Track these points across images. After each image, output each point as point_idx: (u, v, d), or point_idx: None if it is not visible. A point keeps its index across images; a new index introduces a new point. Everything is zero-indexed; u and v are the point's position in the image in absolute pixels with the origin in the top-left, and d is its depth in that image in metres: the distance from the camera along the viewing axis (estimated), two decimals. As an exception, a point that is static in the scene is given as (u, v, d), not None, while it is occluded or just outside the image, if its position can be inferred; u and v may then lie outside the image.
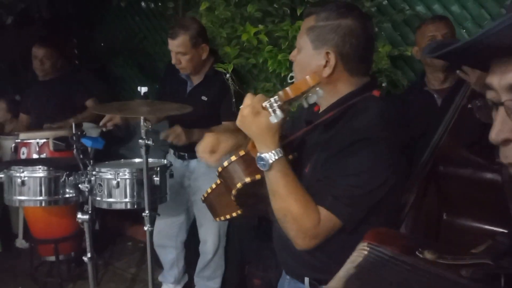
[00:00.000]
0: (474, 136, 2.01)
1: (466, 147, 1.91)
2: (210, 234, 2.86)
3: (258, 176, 1.22)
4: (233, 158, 1.24)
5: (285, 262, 1.46)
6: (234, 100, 2.56)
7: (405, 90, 2.48)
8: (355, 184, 1.17)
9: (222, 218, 1.43)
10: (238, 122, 1.17)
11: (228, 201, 1.32)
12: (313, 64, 1.26)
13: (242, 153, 1.24)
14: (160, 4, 4.37)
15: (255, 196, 1.30)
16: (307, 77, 1.09)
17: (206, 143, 1.41)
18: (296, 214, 1.16)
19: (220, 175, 1.28)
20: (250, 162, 1.23)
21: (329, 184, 1.19)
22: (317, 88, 1.10)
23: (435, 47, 0.69)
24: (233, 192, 1.23)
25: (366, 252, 0.84)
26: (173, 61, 2.59)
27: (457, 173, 1.84)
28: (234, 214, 1.38)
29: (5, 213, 3.79)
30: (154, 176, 2.41)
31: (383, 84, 2.62)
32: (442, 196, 1.92)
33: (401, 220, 2.08)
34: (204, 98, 2.68)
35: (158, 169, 2.45)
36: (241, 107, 1.16)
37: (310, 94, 1.12)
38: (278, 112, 1.09)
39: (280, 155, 1.15)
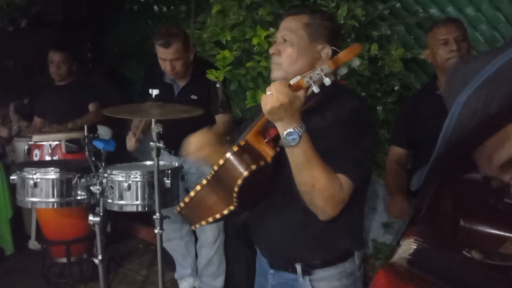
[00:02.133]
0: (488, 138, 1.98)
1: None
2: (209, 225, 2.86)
3: (262, 163, 1.27)
4: (235, 148, 1.26)
5: (275, 252, 1.52)
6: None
7: (416, 92, 2.45)
8: (359, 149, 1.34)
9: (204, 222, 1.39)
10: (270, 108, 1.18)
11: (215, 201, 1.33)
12: (308, 57, 1.41)
13: (242, 143, 1.28)
14: (172, 7, 4.39)
15: (255, 186, 1.32)
16: (348, 49, 1.20)
17: (193, 144, 1.49)
18: (324, 182, 1.25)
19: (217, 172, 1.29)
20: (250, 151, 1.29)
21: (337, 153, 1.32)
22: (355, 59, 1.23)
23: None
24: (239, 182, 1.23)
25: (415, 246, 0.83)
26: (168, 69, 2.65)
27: (472, 177, 1.81)
28: (218, 216, 1.35)
29: (18, 215, 3.83)
30: (165, 178, 2.41)
31: (396, 88, 2.59)
32: (457, 201, 1.89)
33: (415, 224, 2.05)
34: (193, 97, 2.75)
35: (170, 171, 2.45)
36: (269, 93, 1.19)
37: (341, 67, 1.25)
38: (327, 79, 1.17)
39: (305, 127, 1.22)
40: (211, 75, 2.58)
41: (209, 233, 2.89)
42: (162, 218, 2.31)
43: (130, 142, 2.55)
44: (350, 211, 1.38)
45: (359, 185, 1.34)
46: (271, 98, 1.17)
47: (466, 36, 2.15)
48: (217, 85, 2.65)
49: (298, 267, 1.45)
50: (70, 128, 3.49)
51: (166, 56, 2.62)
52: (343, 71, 1.28)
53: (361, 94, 2.57)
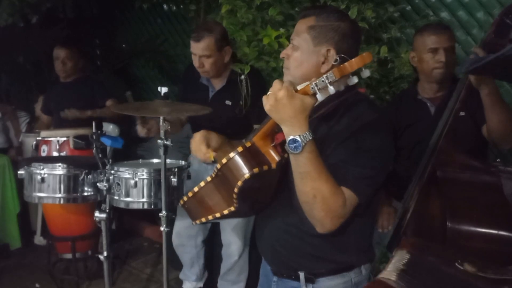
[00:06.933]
0: (468, 141, 2.00)
1: (462, 152, 1.90)
2: (234, 237, 2.82)
3: (265, 167, 1.25)
4: (240, 149, 1.25)
5: (278, 259, 1.50)
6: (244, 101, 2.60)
7: (395, 99, 2.42)
8: (369, 164, 1.28)
9: (204, 219, 1.41)
10: (269, 106, 1.18)
11: (217, 200, 1.34)
12: (312, 60, 1.35)
13: (248, 144, 1.27)
14: (182, 6, 4.40)
15: (257, 190, 1.32)
16: (357, 58, 1.13)
17: (197, 140, 1.53)
18: (326, 194, 1.21)
19: (220, 170, 1.28)
20: (255, 154, 1.27)
21: (345, 166, 1.27)
22: (365, 70, 1.17)
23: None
24: (239, 183, 1.22)
25: (408, 257, 0.83)
26: (196, 65, 2.56)
27: (456, 177, 1.81)
28: (218, 215, 1.36)
29: (25, 210, 3.84)
30: (171, 177, 2.41)
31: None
32: (443, 202, 1.90)
33: (403, 227, 2.06)
34: (228, 102, 2.64)
35: (176, 170, 2.45)
36: (270, 92, 1.18)
37: (351, 76, 1.18)
38: (331, 88, 1.13)
39: (311, 136, 1.18)
40: (236, 67, 2.53)
41: (233, 247, 2.83)
42: (168, 216, 2.31)
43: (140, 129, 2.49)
44: (355, 226, 1.35)
45: (366, 202, 1.30)
46: (270, 96, 1.18)
47: (454, 47, 2.12)
48: (242, 77, 2.55)
49: (301, 274, 1.43)
50: (89, 116, 3.51)
51: (196, 51, 2.52)
52: (354, 80, 1.20)
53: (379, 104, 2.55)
